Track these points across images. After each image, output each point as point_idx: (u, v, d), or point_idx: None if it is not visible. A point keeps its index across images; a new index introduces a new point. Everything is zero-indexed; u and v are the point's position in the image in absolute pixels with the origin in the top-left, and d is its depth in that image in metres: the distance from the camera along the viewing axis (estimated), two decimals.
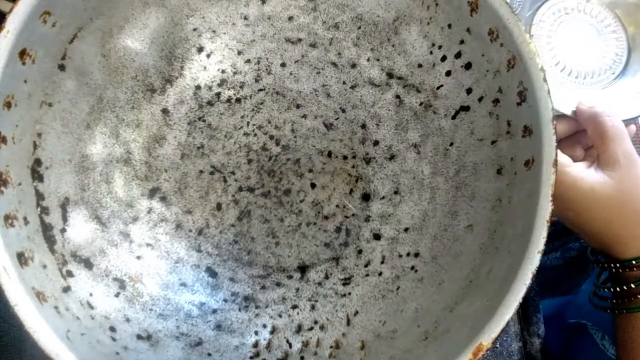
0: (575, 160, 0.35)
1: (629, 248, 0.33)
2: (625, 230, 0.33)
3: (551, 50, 0.43)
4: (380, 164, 0.36)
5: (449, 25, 0.32)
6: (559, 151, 0.34)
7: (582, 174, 0.33)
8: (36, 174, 0.29)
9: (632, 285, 0.33)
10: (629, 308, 0.33)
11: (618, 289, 0.33)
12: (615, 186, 0.33)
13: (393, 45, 0.35)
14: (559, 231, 0.56)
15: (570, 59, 0.43)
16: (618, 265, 0.33)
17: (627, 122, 0.39)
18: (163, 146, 0.35)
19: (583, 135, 0.39)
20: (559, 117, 0.39)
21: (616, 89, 0.43)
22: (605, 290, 0.34)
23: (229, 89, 0.36)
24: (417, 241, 0.34)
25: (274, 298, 0.34)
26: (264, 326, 0.33)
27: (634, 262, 0.32)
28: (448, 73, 0.33)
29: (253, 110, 0.36)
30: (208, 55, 0.36)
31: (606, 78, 0.43)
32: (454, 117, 0.33)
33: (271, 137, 0.36)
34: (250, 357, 0.32)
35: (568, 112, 0.39)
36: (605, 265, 0.34)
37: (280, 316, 0.34)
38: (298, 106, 0.37)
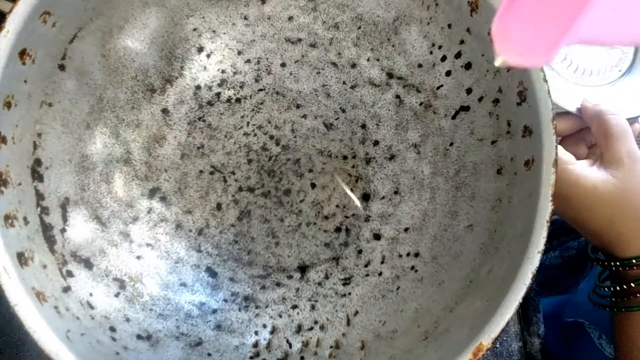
0: (578, 158, 0.35)
1: (630, 247, 0.33)
2: (627, 229, 0.33)
3: None
4: (380, 164, 0.36)
5: (449, 25, 0.32)
6: (561, 149, 0.34)
7: (585, 171, 0.33)
8: (36, 174, 0.29)
9: (632, 284, 0.33)
10: (627, 307, 0.33)
11: (618, 287, 0.33)
12: (618, 185, 0.33)
13: (393, 45, 0.35)
14: (558, 230, 0.56)
15: (577, 55, 0.43)
16: (618, 263, 0.33)
17: (631, 121, 0.39)
18: (163, 146, 0.35)
19: (587, 133, 0.39)
20: (564, 114, 0.39)
21: (622, 86, 0.43)
22: (605, 288, 0.34)
23: (229, 89, 0.36)
24: (417, 241, 0.34)
25: (274, 298, 0.34)
26: (264, 326, 0.33)
27: (634, 260, 0.32)
28: (448, 73, 0.33)
29: (253, 110, 0.36)
30: (208, 55, 0.36)
31: (612, 75, 0.43)
32: (454, 117, 0.33)
33: (271, 137, 0.36)
34: (250, 357, 0.32)
35: (572, 109, 0.38)
36: (606, 263, 0.34)
37: (280, 316, 0.34)
38: (298, 106, 0.37)
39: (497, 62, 0.16)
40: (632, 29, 0.14)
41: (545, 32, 0.14)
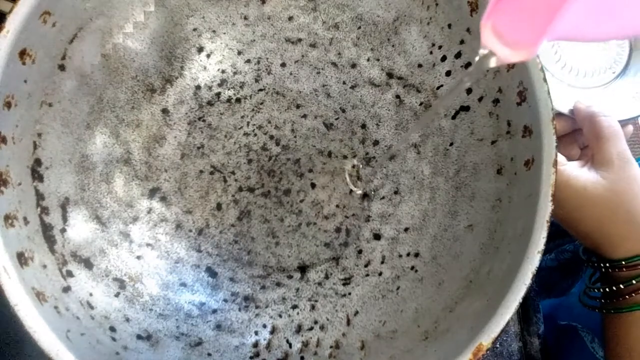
0: (571, 159, 0.35)
1: (619, 248, 0.33)
2: (616, 231, 0.33)
3: (553, 46, 0.43)
4: (380, 164, 0.36)
5: (449, 25, 0.32)
6: None
7: (575, 172, 0.33)
8: (36, 174, 0.29)
9: (622, 286, 0.33)
10: (617, 308, 0.33)
11: (607, 289, 0.33)
12: (608, 186, 0.33)
13: (393, 45, 0.35)
14: (553, 233, 0.55)
15: (571, 56, 0.43)
16: (608, 265, 0.33)
17: (625, 123, 0.39)
18: (163, 146, 0.35)
19: (580, 134, 0.39)
20: (557, 115, 0.39)
21: (615, 88, 0.43)
22: (596, 290, 0.34)
23: (229, 89, 0.36)
24: (417, 241, 0.34)
25: (274, 298, 0.34)
26: (264, 326, 0.33)
27: (623, 262, 0.32)
28: (448, 73, 0.33)
29: (253, 110, 0.36)
30: (208, 55, 0.36)
31: (606, 77, 0.43)
32: (454, 117, 0.33)
33: (271, 137, 0.36)
34: (250, 357, 0.32)
35: (565, 110, 0.39)
36: (596, 264, 0.34)
37: (280, 316, 0.34)
38: (298, 106, 0.37)
39: (481, 54, 0.17)
40: (603, 28, 0.15)
41: (528, 28, 0.15)
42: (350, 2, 0.34)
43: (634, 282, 0.32)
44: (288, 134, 0.37)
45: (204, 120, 0.36)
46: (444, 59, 0.33)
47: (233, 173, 0.36)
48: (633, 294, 0.32)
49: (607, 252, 0.33)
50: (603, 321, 0.35)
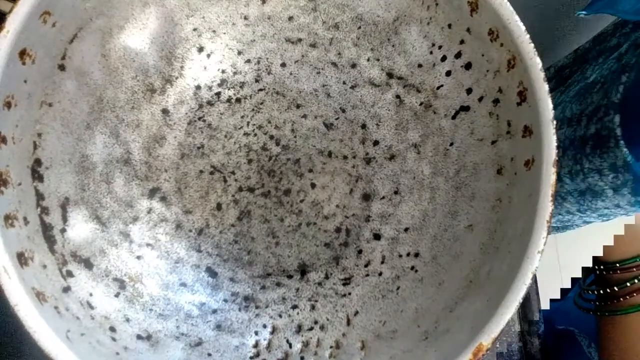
0: None
1: (614, 251, 0.33)
2: None
3: None
4: (380, 164, 0.36)
5: (449, 25, 0.32)
6: None
7: None
8: (36, 174, 0.29)
9: (616, 288, 0.33)
10: (611, 310, 0.34)
11: (602, 291, 0.33)
12: None
13: (393, 45, 0.35)
14: None
15: None
16: (603, 267, 0.33)
17: None
18: (163, 146, 0.35)
19: None
20: None
21: None
22: (590, 292, 0.35)
23: (229, 89, 0.36)
24: (417, 241, 0.34)
25: (274, 298, 0.34)
26: (264, 326, 0.33)
27: (618, 264, 0.33)
28: (448, 73, 0.33)
29: (253, 110, 0.36)
30: (208, 55, 0.36)
31: None
32: (454, 117, 0.33)
33: (271, 137, 0.36)
34: (251, 357, 0.32)
35: None
36: (591, 267, 0.34)
37: (280, 316, 0.34)
38: (298, 106, 0.37)
39: None
40: None
41: None
42: (350, 2, 0.34)
43: (628, 284, 0.32)
44: (288, 134, 0.37)
45: (204, 120, 0.36)
46: (444, 59, 0.33)
47: (233, 173, 0.36)
48: (627, 297, 0.32)
49: (602, 255, 0.33)
50: (597, 323, 0.35)
